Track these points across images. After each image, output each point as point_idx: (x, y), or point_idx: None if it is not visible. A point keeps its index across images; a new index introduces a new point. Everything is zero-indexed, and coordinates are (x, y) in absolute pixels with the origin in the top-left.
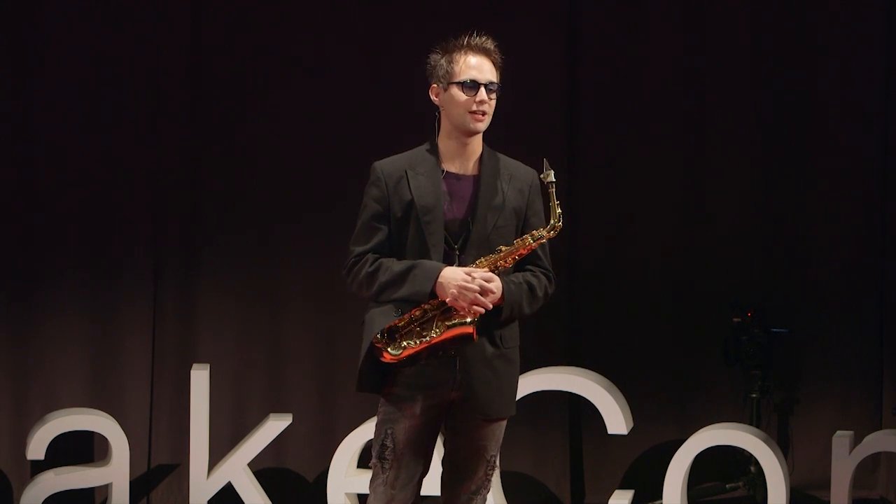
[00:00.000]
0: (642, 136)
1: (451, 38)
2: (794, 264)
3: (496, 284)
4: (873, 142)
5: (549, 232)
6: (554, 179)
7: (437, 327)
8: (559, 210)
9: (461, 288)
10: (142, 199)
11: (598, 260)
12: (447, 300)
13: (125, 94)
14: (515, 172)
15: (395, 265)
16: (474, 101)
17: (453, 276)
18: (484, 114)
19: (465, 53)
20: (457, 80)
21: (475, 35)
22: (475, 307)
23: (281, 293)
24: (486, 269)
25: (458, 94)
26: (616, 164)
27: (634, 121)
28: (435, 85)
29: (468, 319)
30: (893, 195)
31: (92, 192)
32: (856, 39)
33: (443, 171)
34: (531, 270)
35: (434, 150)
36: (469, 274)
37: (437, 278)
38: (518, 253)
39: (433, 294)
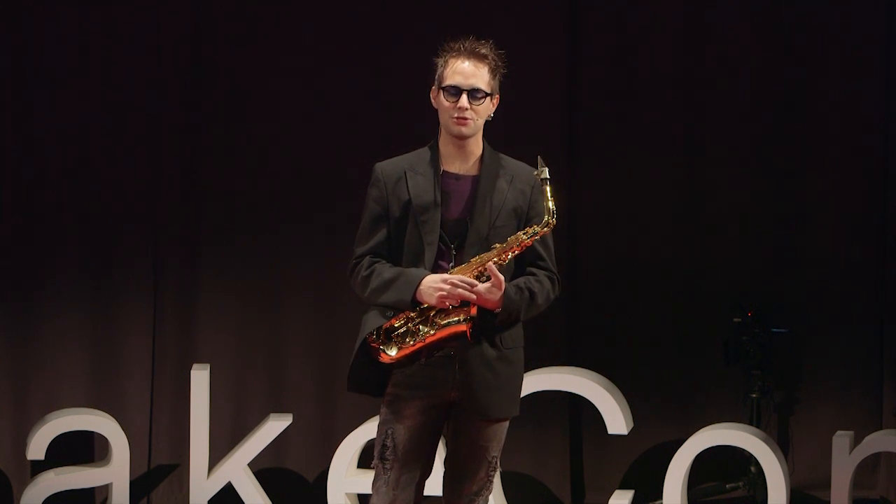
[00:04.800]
0: (642, 137)
1: (452, 42)
2: (794, 264)
3: (490, 289)
4: (873, 142)
5: (542, 228)
6: (548, 176)
7: (431, 326)
8: (553, 206)
9: (440, 295)
10: (142, 198)
11: (598, 260)
12: (434, 304)
13: (125, 95)
14: (517, 173)
15: (385, 272)
16: (455, 107)
17: (431, 283)
18: (466, 119)
19: (457, 58)
20: (443, 84)
21: (472, 39)
22: (466, 299)
23: (281, 293)
24: (480, 267)
25: (443, 99)
26: (616, 164)
27: (634, 121)
28: (433, 87)
29: (461, 318)
30: (893, 195)
31: (92, 193)
32: (856, 39)
33: (441, 171)
34: (534, 274)
35: (435, 151)
36: (445, 281)
37: (418, 287)
38: (512, 250)
39: (415, 302)
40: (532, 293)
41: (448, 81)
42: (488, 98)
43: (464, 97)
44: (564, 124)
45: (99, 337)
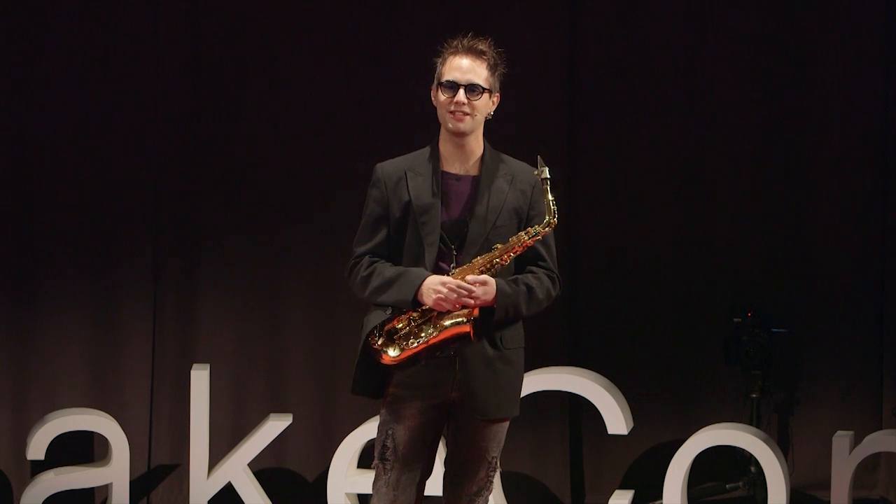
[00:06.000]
0: (642, 136)
1: (450, 40)
2: (794, 264)
3: (483, 289)
4: (873, 142)
5: (544, 228)
6: (548, 176)
7: (434, 327)
8: (554, 206)
9: (438, 297)
10: (142, 199)
11: (598, 260)
12: (431, 306)
13: (125, 94)
14: (518, 173)
15: (387, 271)
16: (452, 102)
17: (431, 285)
18: (464, 114)
19: (455, 55)
20: (441, 80)
21: (470, 36)
22: (463, 305)
23: (281, 293)
24: (482, 268)
25: (440, 95)
26: (616, 164)
27: (634, 121)
28: (433, 86)
29: (463, 319)
30: (893, 195)
31: (92, 192)
32: (856, 39)
33: (441, 171)
34: (533, 272)
35: (435, 152)
36: (444, 284)
37: (420, 287)
38: (514, 250)
39: (416, 302)
40: (529, 288)
41: (446, 77)
42: (486, 94)
43: (461, 92)
44: (564, 124)
45: (99, 337)
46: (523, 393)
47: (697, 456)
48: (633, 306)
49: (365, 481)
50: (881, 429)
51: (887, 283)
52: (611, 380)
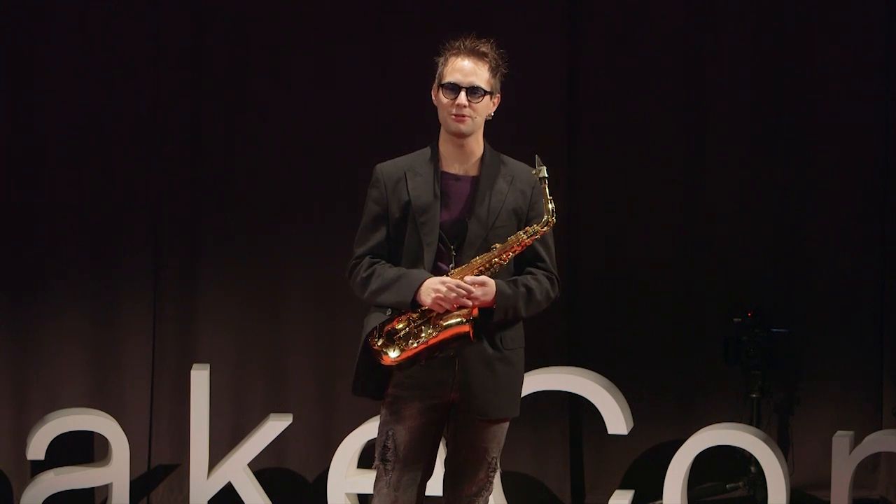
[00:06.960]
0: (642, 136)
1: (453, 40)
2: (794, 264)
3: (482, 290)
4: (873, 142)
5: (542, 227)
6: (546, 175)
7: (434, 328)
8: (552, 205)
9: (436, 296)
10: (142, 199)
11: (598, 260)
12: (430, 306)
13: (125, 95)
14: (518, 173)
15: (386, 272)
16: (454, 104)
17: (430, 285)
18: (465, 116)
19: (457, 56)
20: (442, 82)
21: (472, 38)
22: (461, 305)
23: (281, 293)
24: (480, 268)
25: (441, 97)
26: (616, 164)
27: (635, 121)
28: (434, 86)
29: (462, 319)
30: (893, 195)
31: (92, 193)
32: (856, 39)
33: (441, 171)
34: (532, 273)
35: (435, 152)
36: (443, 283)
37: (419, 289)
38: (512, 250)
39: (415, 303)
40: (529, 289)
41: (447, 79)
42: (488, 96)
43: (462, 94)
44: (564, 124)
45: (99, 337)
46: (523, 393)
47: (697, 456)
48: (633, 306)
49: (365, 481)
50: (881, 429)
51: (887, 283)
52: (611, 380)
